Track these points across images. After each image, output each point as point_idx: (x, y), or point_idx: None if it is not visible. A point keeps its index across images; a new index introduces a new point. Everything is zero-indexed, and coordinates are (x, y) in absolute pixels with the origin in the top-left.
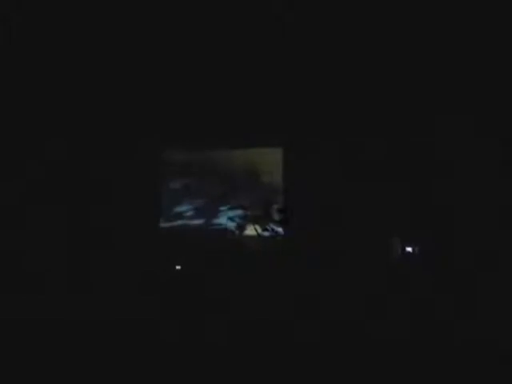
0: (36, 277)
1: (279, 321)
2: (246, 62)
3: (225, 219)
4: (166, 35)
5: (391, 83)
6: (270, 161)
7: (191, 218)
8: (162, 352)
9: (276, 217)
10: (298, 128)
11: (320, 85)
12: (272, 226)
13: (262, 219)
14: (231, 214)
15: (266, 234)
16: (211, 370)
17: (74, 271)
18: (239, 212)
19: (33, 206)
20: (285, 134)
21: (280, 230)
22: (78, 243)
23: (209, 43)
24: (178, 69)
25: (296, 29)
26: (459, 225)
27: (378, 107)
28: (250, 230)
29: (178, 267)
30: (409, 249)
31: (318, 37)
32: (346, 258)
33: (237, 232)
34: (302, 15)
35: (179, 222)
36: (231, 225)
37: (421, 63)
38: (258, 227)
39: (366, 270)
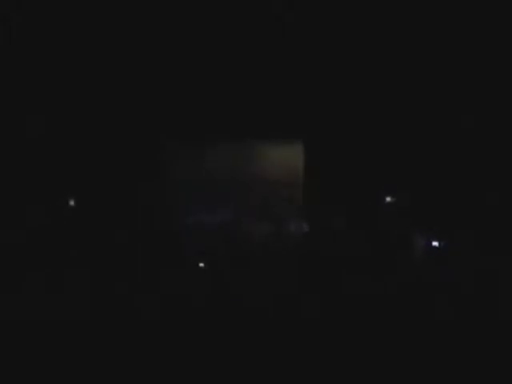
0: (35, 275)
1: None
2: (248, 60)
3: (235, 217)
4: (167, 34)
5: (391, 83)
6: (288, 155)
7: (196, 216)
8: (163, 352)
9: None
10: (319, 121)
11: (319, 85)
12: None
13: (278, 216)
14: (243, 211)
15: (283, 231)
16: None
17: (73, 270)
18: (253, 209)
19: (32, 205)
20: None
21: (298, 227)
22: (77, 243)
23: (208, 42)
24: (177, 69)
25: (296, 29)
26: (459, 225)
27: (377, 107)
28: (263, 228)
29: (201, 264)
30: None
31: (317, 37)
32: (369, 255)
33: (249, 230)
34: (302, 15)
35: (182, 221)
36: (244, 222)
37: (421, 63)
38: (273, 225)
39: (387, 266)
